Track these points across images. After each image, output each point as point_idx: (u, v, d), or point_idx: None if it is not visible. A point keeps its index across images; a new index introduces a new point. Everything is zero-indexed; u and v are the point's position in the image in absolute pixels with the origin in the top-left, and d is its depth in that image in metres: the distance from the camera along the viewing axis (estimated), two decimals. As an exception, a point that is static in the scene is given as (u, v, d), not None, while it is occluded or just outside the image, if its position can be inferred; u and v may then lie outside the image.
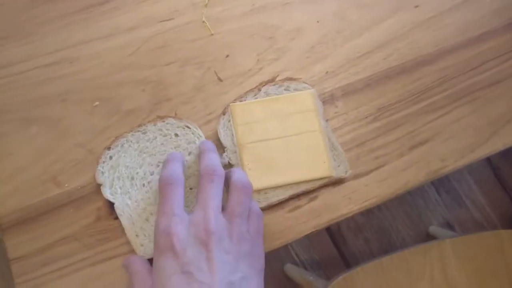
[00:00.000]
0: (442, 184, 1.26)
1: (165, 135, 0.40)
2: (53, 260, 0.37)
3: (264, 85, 0.43)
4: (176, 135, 0.40)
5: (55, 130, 0.41)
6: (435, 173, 0.43)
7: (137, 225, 0.37)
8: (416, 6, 0.49)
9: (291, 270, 1.11)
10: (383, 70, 0.46)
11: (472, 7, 0.50)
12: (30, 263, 0.36)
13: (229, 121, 0.41)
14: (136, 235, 0.37)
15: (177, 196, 0.33)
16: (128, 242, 0.37)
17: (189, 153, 0.39)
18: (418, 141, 0.44)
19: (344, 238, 1.18)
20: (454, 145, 0.44)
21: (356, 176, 0.42)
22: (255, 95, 0.42)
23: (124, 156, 0.39)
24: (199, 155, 0.37)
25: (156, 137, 0.40)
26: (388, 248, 1.18)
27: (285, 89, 0.43)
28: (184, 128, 0.40)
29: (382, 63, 0.46)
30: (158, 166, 0.39)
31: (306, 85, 0.43)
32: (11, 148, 0.40)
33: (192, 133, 0.40)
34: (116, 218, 0.38)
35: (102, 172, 0.38)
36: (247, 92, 0.43)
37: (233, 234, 0.31)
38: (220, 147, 0.41)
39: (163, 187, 0.33)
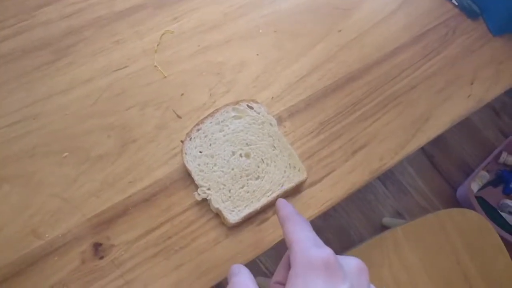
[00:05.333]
0: (387, 177, 1.37)
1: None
2: (46, 308, 0.38)
3: (216, 112, 0.47)
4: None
5: (28, 185, 0.43)
6: (376, 171, 0.50)
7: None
8: (340, 31, 0.57)
9: (261, 282, 1.15)
10: (320, 89, 0.53)
11: (384, 27, 0.59)
12: (23, 316, 0.38)
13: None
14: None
15: None
16: (120, 277, 0.40)
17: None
18: (358, 146, 0.51)
19: (308, 242, 1.24)
20: (388, 145, 0.52)
21: (311, 184, 0.48)
22: (211, 121, 0.46)
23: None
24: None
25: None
26: (349, 245, 1.26)
27: (233, 110, 0.47)
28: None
29: (318, 83, 0.53)
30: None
31: (255, 104, 0.48)
32: (-15, 209, 0.41)
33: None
34: (102, 257, 0.41)
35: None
36: (202, 120, 0.46)
37: None
38: (189, 179, 0.45)
39: None
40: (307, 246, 0.28)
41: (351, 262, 0.29)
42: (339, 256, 0.29)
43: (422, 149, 1.41)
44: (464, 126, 1.47)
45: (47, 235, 0.41)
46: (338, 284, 0.26)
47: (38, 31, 0.50)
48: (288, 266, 0.29)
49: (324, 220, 1.28)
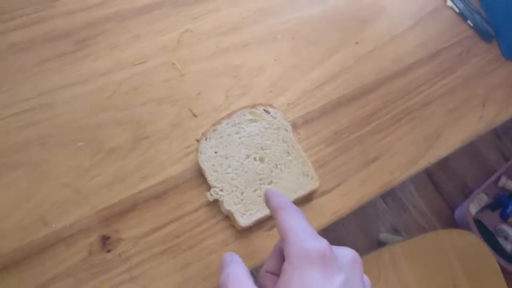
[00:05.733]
0: (387, 193, 1.37)
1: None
2: (50, 299, 0.38)
3: (233, 114, 0.47)
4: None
5: (39, 173, 0.42)
6: (386, 185, 0.50)
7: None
8: (356, 43, 0.58)
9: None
10: (335, 98, 0.53)
11: (400, 42, 0.59)
12: (25, 305, 0.37)
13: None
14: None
15: None
16: (126, 271, 0.40)
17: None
18: (370, 159, 0.51)
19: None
20: (399, 159, 0.52)
21: (322, 194, 0.48)
22: (227, 123, 0.46)
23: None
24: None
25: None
26: (344, 258, 1.25)
27: (249, 113, 0.47)
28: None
29: (333, 92, 0.53)
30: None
31: (272, 109, 0.48)
32: (-6, 194, 0.41)
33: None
34: (109, 251, 0.40)
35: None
36: (219, 120, 0.46)
37: None
38: (201, 179, 0.44)
39: None
40: (303, 237, 0.27)
41: (346, 254, 0.28)
42: (333, 247, 0.28)
43: (424, 168, 1.42)
44: (466, 146, 1.47)
45: (54, 224, 0.41)
46: (334, 276, 0.26)
47: (58, 21, 0.50)
48: (281, 257, 0.29)
49: (322, 233, 1.27)
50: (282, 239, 0.28)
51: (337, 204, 0.48)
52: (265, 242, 0.44)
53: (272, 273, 0.30)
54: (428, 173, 1.43)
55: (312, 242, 0.27)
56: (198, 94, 0.49)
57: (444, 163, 1.42)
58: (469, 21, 0.65)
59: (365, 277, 0.29)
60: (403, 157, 0.52)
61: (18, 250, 0.39)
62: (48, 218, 0.41)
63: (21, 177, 0.42)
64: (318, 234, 0.28)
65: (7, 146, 0.43)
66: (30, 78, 0.46)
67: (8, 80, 0.46)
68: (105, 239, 0.41)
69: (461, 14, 0.65)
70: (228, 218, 0.43)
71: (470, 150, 1.49)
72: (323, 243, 0.27)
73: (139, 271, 0.40)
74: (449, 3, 0.65)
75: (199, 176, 0.45)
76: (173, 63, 0.51)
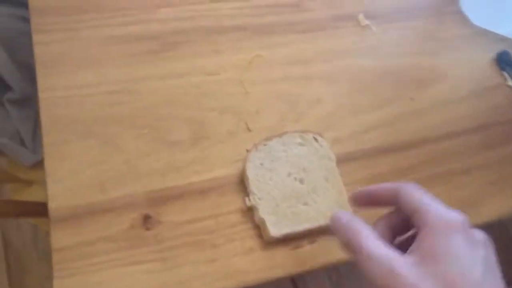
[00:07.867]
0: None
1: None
2: (91, 255, 0.43)
3: (284, 134, 0.51)
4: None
5: (109, 145, 0.48)
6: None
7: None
8: (411, 99, 0.61)
9: None
10: (380, 146, 0.57)
11: (453, 108, 0.63)
12: (70, 254, 0.42)
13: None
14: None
15: None
16: (158, 251, 0.44)
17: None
18: (401, 208, 0.53)
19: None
20: (429, 216, 0.54)
21: (348, 228, 0.50)
22: (278, 141, 0.50)
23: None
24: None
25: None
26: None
27: (299, 136, 0.51)
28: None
29: (380, 139, 0.57)
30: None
31: (320, 138, 0.52)
32: (69, 153, 0.47)
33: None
34: (148, 229, 0.45)
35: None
36: (270, 137, 0.50)
37: None
38: (243, 187, 0.49)
39: None
40: (441, 207, 0.29)
41: (480, 233, 0.29)
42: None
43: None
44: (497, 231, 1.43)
45: (110, 192, 0.46)
46: (478, 247, 0.27)
47: (153, 24, 0.58)
48: (401, 217, 0.33)
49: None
50: (414, 212, 0.30)
51: (361, 242, 0.50)
52: (288, 259, 0.47)
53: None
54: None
55: (452, 212, 0.29)
56: (257, 112, 0.55)
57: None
58: (526, 104, 0.67)
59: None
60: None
61: (77, 207, 0.45)
62: (106, 185, 0.46)
63: (95, 144, 0.48)
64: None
65: (90, 118, 0.50)
66: (121, 66, 0.54)
67: (103, 63, 0.53)
68: (147, 218, 0.45)
69: (520, 95, 0.67)
70: (258, 228, 0.47)
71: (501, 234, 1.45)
72: (463, 214, 0.28)
73: (169, 254, 0.44)
74: (510, 82, 0.68)
75: (241, 184, 0.49)
76: (241, 81, 0.56)
